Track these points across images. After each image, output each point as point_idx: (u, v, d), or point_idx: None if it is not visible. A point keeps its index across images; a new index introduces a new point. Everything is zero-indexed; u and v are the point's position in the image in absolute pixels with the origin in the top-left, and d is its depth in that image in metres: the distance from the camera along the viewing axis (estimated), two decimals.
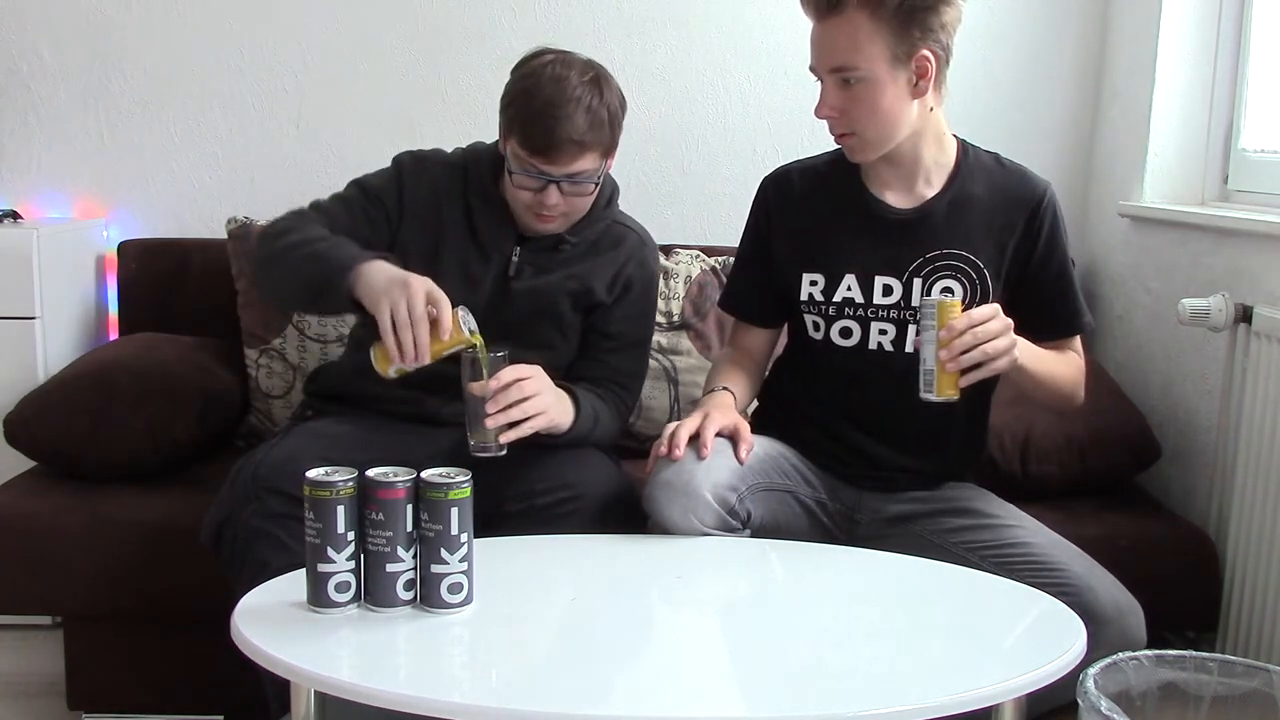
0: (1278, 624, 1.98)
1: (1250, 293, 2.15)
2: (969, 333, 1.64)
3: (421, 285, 1.66)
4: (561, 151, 1.81)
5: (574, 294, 1.98)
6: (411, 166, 1.98)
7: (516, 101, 1.84)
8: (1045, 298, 1.86)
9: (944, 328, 1.64)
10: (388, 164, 2.00)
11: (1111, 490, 2.25)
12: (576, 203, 1.90)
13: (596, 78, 1.86)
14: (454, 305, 1.69)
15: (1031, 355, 1.75)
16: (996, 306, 1.68)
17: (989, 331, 1.65)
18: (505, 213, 1.95)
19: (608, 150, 1.88)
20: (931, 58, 1.74)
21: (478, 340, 1.71)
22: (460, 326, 1.69)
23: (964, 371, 1.66)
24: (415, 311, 1.64)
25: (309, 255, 1.78)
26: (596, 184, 1.90)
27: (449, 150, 2.03)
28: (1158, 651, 1.53)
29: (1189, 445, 2.33)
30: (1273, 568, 2.00)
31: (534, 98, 1.82)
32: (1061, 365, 1.84)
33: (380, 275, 1.70)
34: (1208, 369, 2.28)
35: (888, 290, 1.84)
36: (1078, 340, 1.92)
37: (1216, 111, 2.47)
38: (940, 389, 1.67)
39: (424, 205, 1.95)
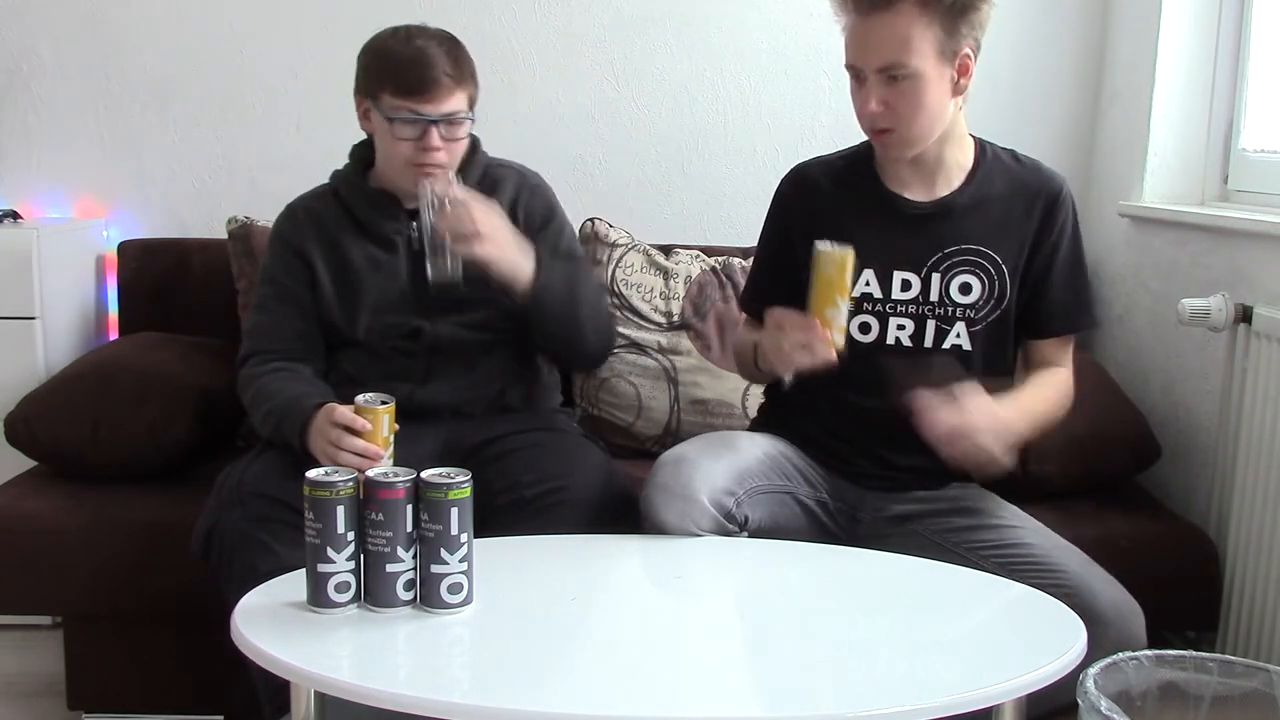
0: (1278, 624, 1.98)
1: (1250, 293, 2.15)
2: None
3: (330, 436, 1.74)
4: (438, 87, 1.89)
5: None
6: (286, 221, 2.06)
7: (379, 58, 1.94)
8: (1057, 291, 1.86)
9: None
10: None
11: (1111, 490, 2.25)
12: (454, 148, 1.95)
13: (440, 30, 1.96)
14: (354, 399, 1.78)
15: (1020, 422, 1.76)
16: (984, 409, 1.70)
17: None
18: (386, 199, 2.01)
19: (473, 92, 1.96)
20: (972, 55, 1.76)
21: (392, 408, 1.76)
22: (381, 423, 1.75)
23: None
24: (346, 460, 1.70)
25: (267, 416, 1.90)
26: (472, 121, 1.96)
27: (314, 187, 2.10)
28: (1158, 651, 1.53)
29: (1189, 445, 2.33)
30: (1273, 568, 2.00)
31: (397, 49, 1.92)
32: (1043, 400, 1.85)
33: (314, 445, 1.79)
34: (1208, 369, 2.27)
35: (906, 285, 1.84)
36: (1070, 344, 1.91)
37: (1216, 111, 2.47)
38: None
39: (312, 236, 2.02)
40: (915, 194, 1.86)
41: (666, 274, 2.48)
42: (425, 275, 1.95)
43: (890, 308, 1.85)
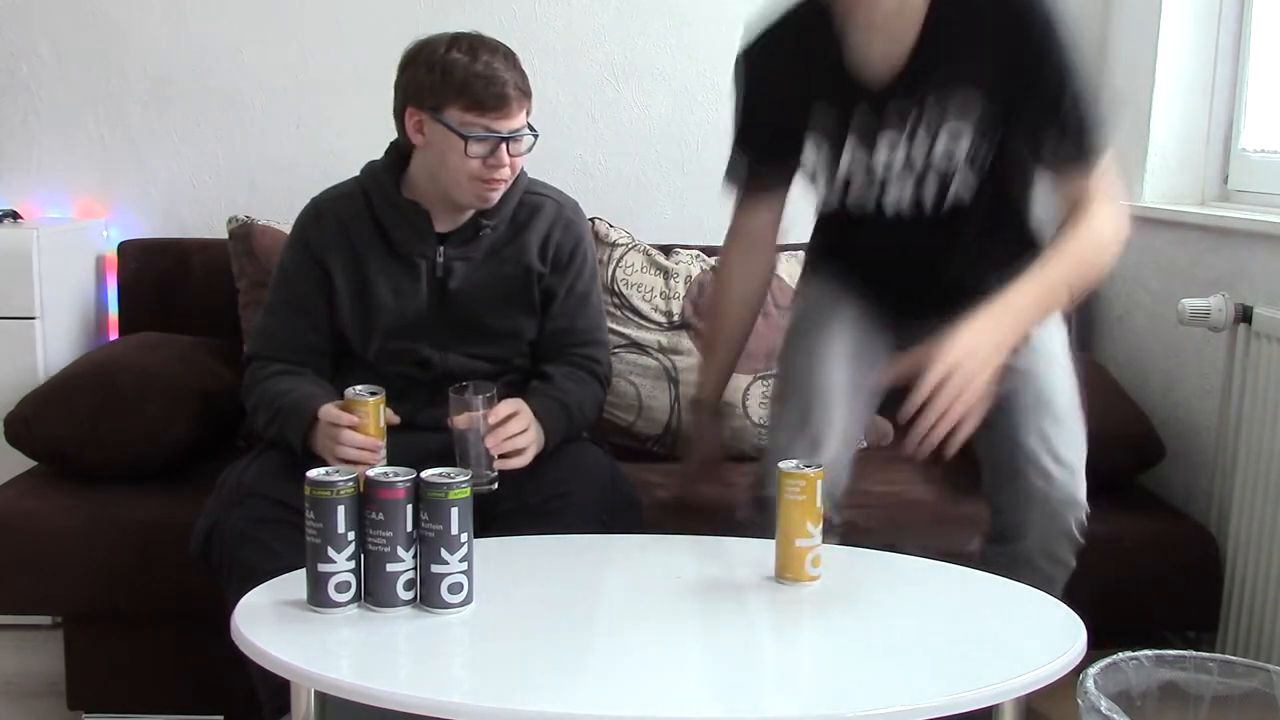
0: (1278, 624, 1.98)
1: (1250, 293, 2.15)
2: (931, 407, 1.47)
3: (333, 437, 1.75)
4: (510, 103, 1.84)
5: (510, 277, 1.98)
6: (311, 224, 2.00)
7: (446, 71, 1.84)
8: (1045, 121, 1.68)
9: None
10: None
11: (1113, 490, 2.25)
12: (517, 162, 1.92)
13: (495, 40, 1.91)
14: (342, 391, 1.81)
15: (1040, 303, 1.60)
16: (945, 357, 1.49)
17: (954, 389, 1.48)
18: (417, 216, 1.95)
19: (530, 106, 1.91)
20: None
21: (382, 398, 1.78)
22: (372, 414, 1.76)
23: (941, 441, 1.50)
24: (346, 455, 1.74)
25: (270, 421, 1.90)
26: (535, 136, 1.92)
27: (343, 181, 2.04)
28: (1158, 651, 1.53)
29: (1189, 445, 2.33)
30: (1273, 567, 2.01)
31: (464, 62, 1.84)
32: (1077, 258, 1.65)
33: (320, 447, 1.80)
34: (1208, 369, 2.28)
35: (893, 147, 1.72)
36: (1093, 177, 1.71)
37: (1216, 111, 2.47)
38: (790, 568, 1.55)
39: (335, 245, 1.96)
40: (876, 59, 1.70)
41: (666, 274, 2.48)
42: (442, 303, 1.95)
43: (885, 174, 1.74)
